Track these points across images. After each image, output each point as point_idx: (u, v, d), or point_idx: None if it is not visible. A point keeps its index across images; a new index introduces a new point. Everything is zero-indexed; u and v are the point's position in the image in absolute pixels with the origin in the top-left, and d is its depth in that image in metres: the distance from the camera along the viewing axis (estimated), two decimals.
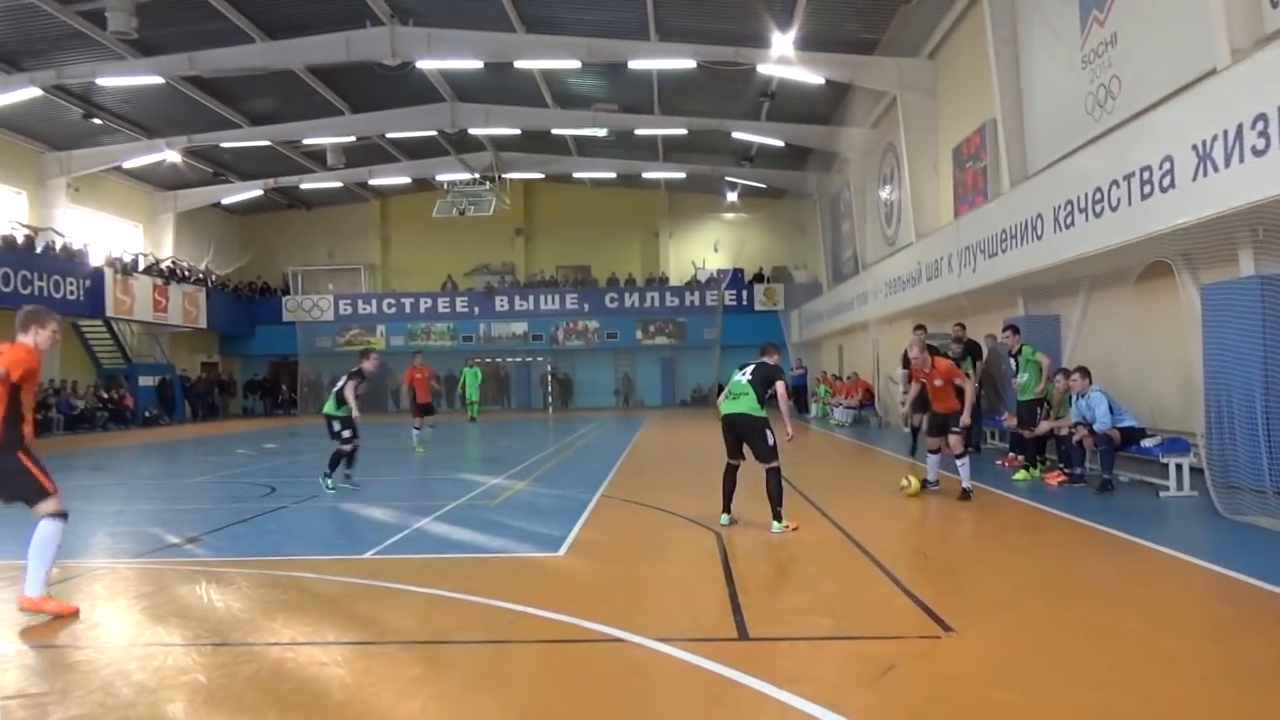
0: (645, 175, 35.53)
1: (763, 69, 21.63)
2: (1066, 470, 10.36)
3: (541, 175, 37.20)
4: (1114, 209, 9.85)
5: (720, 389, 8.92)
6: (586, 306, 37.09)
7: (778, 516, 7.77)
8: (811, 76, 21.68)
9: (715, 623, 5.05)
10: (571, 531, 7.89)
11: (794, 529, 7.71)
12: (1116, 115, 11.36)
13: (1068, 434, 10.21)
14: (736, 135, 28.23)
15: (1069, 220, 11.00)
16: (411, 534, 8.08)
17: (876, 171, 24.39)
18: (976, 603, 5.37)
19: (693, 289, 37.35)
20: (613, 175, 35.96)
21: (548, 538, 7.63)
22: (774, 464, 7.81)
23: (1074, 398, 10.32)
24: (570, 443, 19.25)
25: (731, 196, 37.00)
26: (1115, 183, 9.80)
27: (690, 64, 22.23)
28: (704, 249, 39.43)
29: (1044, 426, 10.87)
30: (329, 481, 11.07)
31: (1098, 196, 10.22)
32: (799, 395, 28.26)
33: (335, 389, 11.60)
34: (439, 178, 34.90)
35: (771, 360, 8.43)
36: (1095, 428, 9.82)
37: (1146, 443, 9.74)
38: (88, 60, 22.68)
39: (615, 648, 4.60)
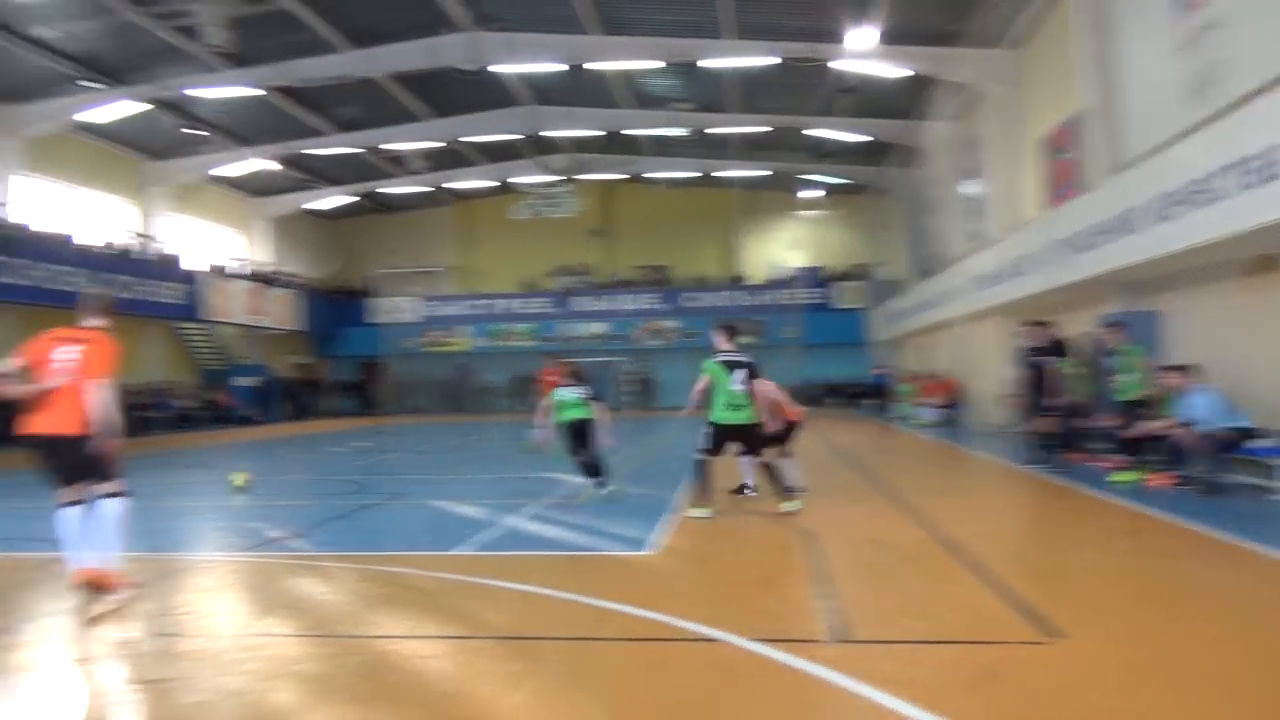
0: (721, 174, 35.45)
1: (842, 64, 21.39)
2: (1172, 472, 9.98)
3: (618, 176, 37.46)
4: (1218, 200, 9.46)
5: (703, 388, 8.83)
6: (665, 306, 37.18)
7: (789, 495, 8.48)
8: (892, 70, 21.35)
9: (808, 623, 5.04)
10: (659, 530, 7.93)
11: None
12: (1219, 102, 10.90)
13: (1169, 434, 9.84)
14: (813, 132, 27.96)
15: (1168, 212, 10.60)
16: (501, 531, 8.23)
17: (959, 165, 23.87)
18: (1080, 608, 5.23)
19: (771, 288, 37.10)
20: (689, 175, 35.99)
21: (636, 536, 7.69)
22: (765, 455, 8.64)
23: (1177, 396, 9.95)
24: (653, 441, 19.35)
25: (808, 194, 36.64)
26: (1219, 172, 9.39)
27: (771, 60, 22.11)
28: (781, 247, 39.15)
29: (1144, 426, 10.49)
30: (601, 484, 10.17)
31: (1200, 187, 9.82)
32: (882, 395, 27.84)
33: (571, 392, 10.62)
34: (517, 180, 35.42)
35: (746, 357, 8.83)
36: (1198, 428, 9.45)
37: (1257, 444, 9.32)
38: (185, 73, 23.69)
39: (709, 647, 4.62)
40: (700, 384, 8.70)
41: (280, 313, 33.76)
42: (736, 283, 38.00)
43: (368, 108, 28.04)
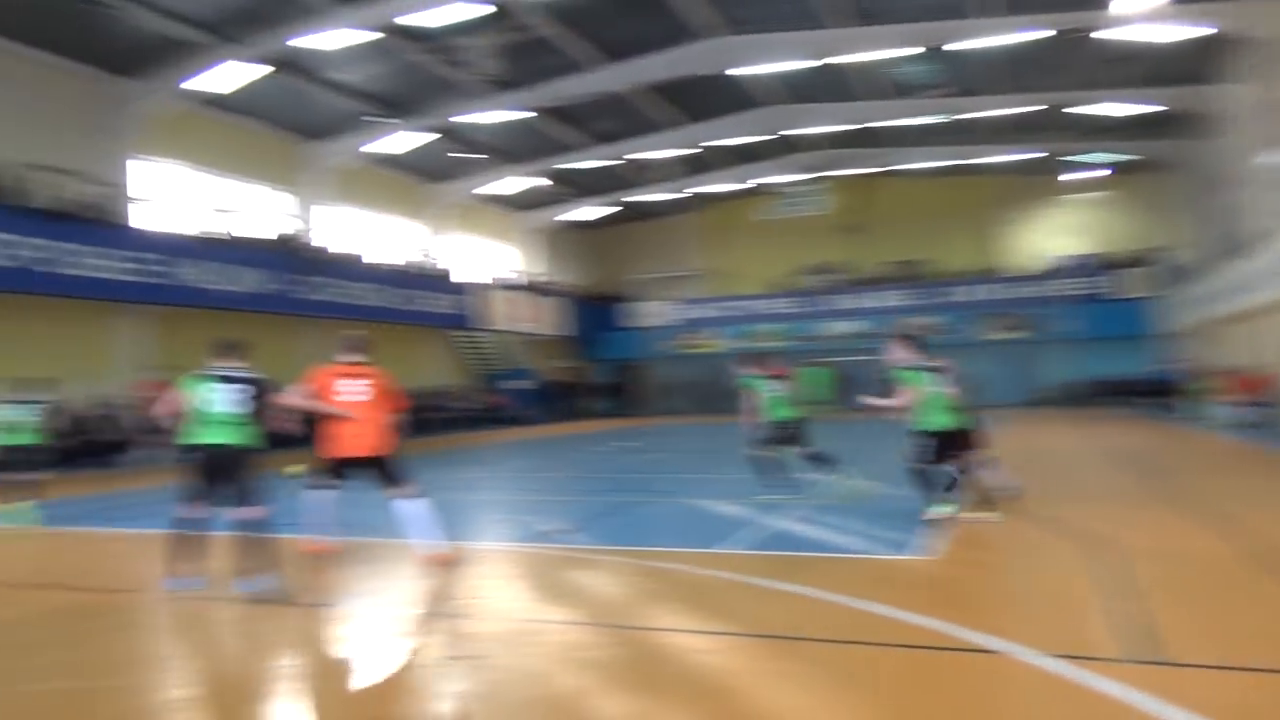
0: (977, 161, 33.53)
1: (1119, 31, 19.57)
2: None
3: (868, 170, 36.48)
4: None
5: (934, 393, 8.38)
6: (918, 301, 35.75)
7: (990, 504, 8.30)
8: (1182, 31, 19.25)
9: (1100, 638, 4.66)
10: (925, 534, 7.65)
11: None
12: None
13: None
14: (1083, 109, 25.79)
15: None
16: (765, 529, 8.28)
17: (1264, 132, 21.06)
18: None
19: (1035, 279, 34.58)
20: (943, 164, 34.37)
21: (901, 539, 7.46)
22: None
23: None
24: None
25: (1076, 175, 33.81)
26: None
27: (1038, 34, 20.68)
28: (1046, 234, 36.41)
29: None
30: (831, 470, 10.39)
31: None
32: (1167, 392, 25.17)
33: (779, 389, 10.76)
34: (765, 181, 35.44)
35: (941, 360, 8.54)
36: None
37: None
38: (460, 103, 25.86)
39: (990, 659, 4.40)
40: (907, 394, 8.28)
41: (546, 319, 35.99)
42: (994, 275, 35.77)
43: (621, 120, 29.22)
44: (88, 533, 9.92)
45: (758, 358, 11.99)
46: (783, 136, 31.43)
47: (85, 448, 18.47)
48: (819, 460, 10.42)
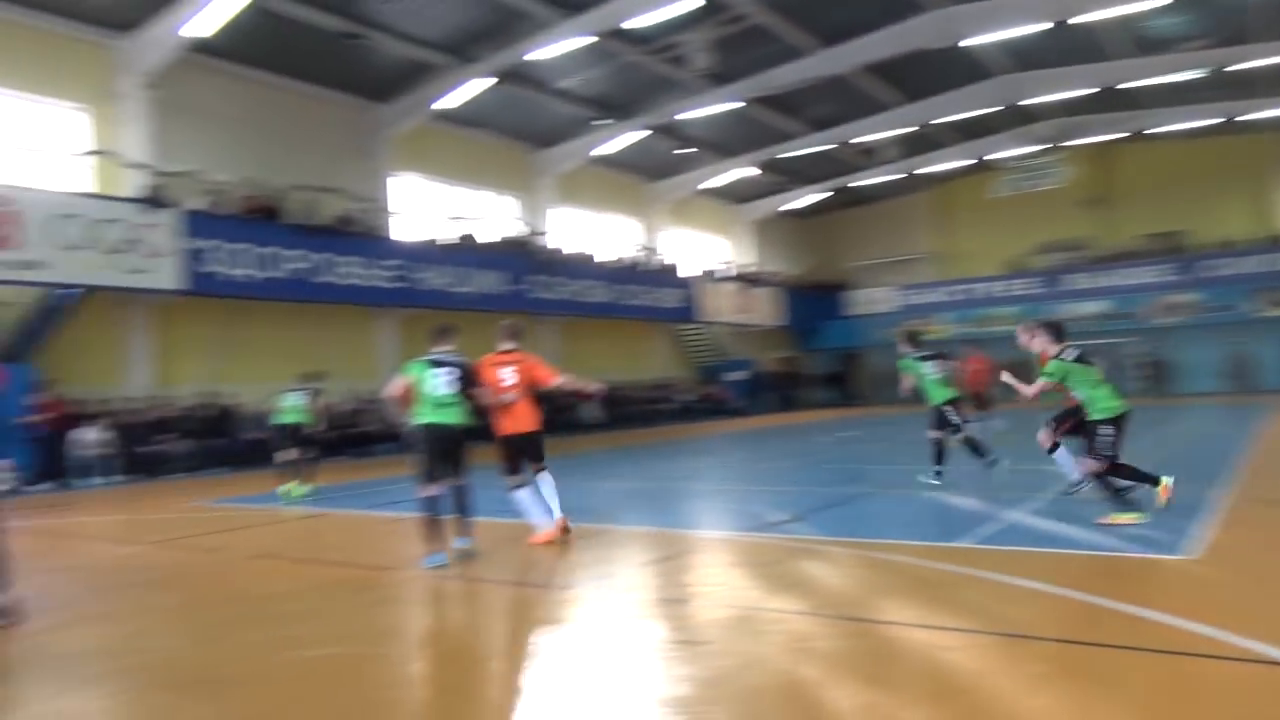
0: (1254, 117, 29.87)
1: None
2: None
3: (1111, 137, 33.46)
4: None
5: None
6: (1180, 277, 32.43)
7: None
8: None
9: None
10: (1194, 532, 6.94)
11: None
12: None
13: None
14: None
15: None
16: (1004, 525, 7.84)
17: None
18: None
19: None
20: (1205, 123, 30.91)
21: (1162, 538, 6.81)
22: None
23: None
24: (1173, 433, 17.03)
25: None
26: None
27: None
28: None
29: None
30: (992, 463, 10.34)
31: None
32: None
33: (932, 370, 10.82)
34: (996, 156, 33.42)
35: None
36: None
37: None
38: (676, 98, 26.24)
39: (1273, 670, 3.94)
40: (1046, 385, 7.70)
41: (763, 310, 35.90)
42: (1275, 244, 31.74)
43: (839, 103, 28.55)
44: (352, 515, 10.97)
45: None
46: (1015, 107, 29.50)
47: (348, 439, 20.49)
48: (974, 448, 10.38)
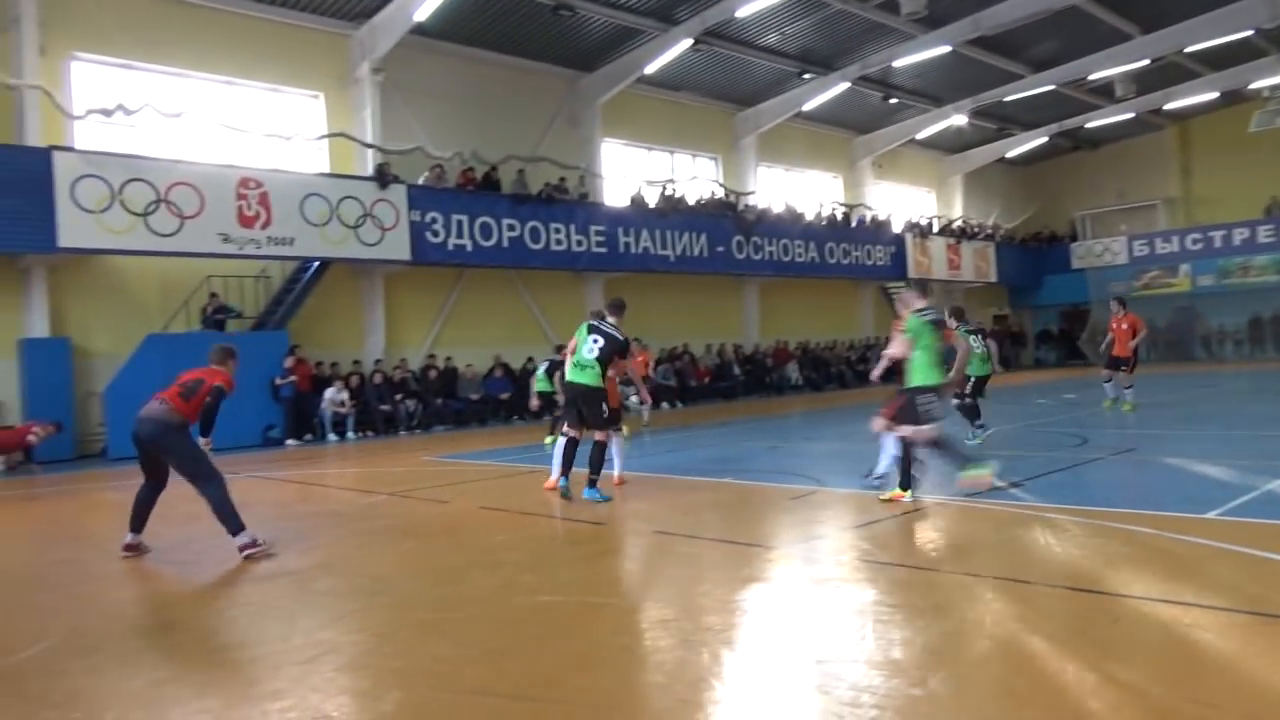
0: None
1: None
2: None
3: None
4: None
5: None
6: None
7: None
8: None
9: None
10: None
11: None
12: None
13: None
14: None
15: None
16: (1261, 495, 7.10)
17: None
18: None
19: None
20: None
21: None
22: None
23: None
24: None
25: None
26: None
27: None
28: None
29: None
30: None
31: None
32: None
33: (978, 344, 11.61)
34: (1256, 85, 29.74)
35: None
36: None
37: None
38: (884, 46, 25.14)
39: None
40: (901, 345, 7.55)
41: (976, 265, 34.04)
42: None
43: (1065, 39, 26.31)
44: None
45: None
46: (1275, 30, 26.07)
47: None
48: (968, 413, 11.30)
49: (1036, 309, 38.24)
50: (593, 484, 8.35)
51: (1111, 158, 37.61)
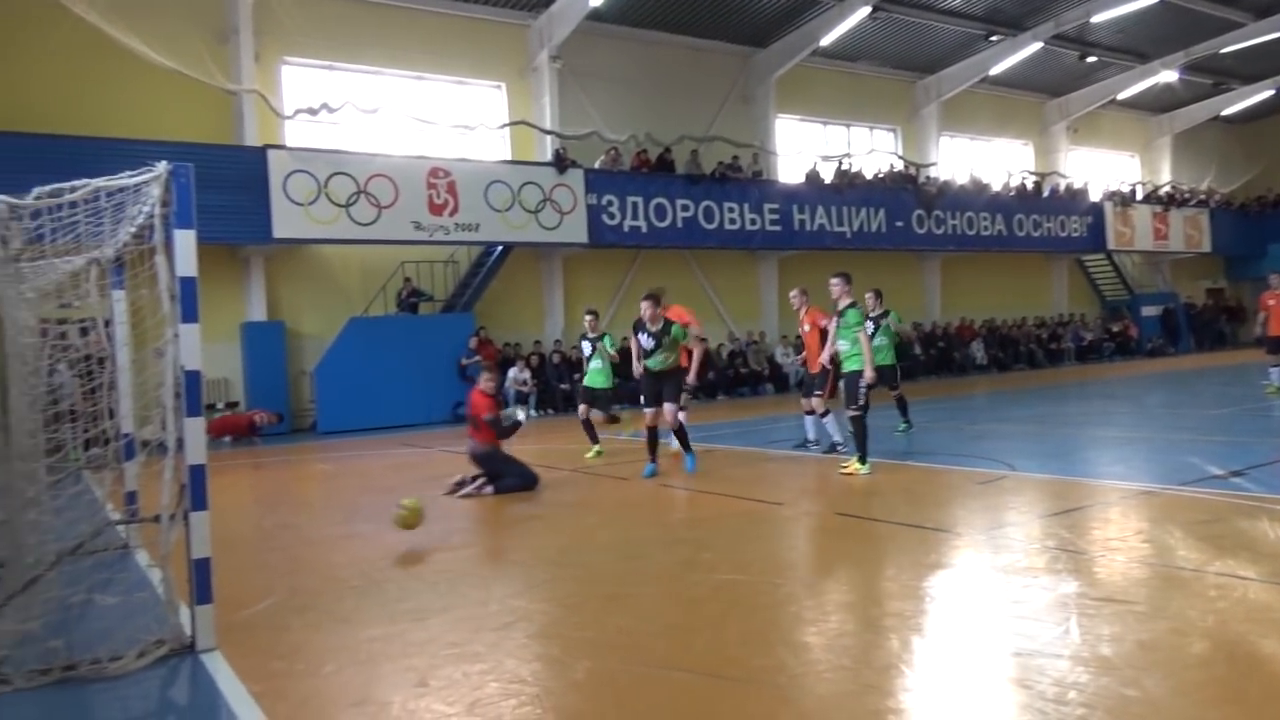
0: None
1: None
2: None
3: None
4: None
5: None
6: None
7: None
8: None
9: None
10: None
11: None
12: None
13: None
14: None
15: None
16: None
17: None
18: None
19: None
20: None
21: None
22: None
23: None
24: None
25: None
26: None
27: None
28: None
29: None
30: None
31: None
32: None
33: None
34: None
35: None
36: None
37: None
38: (1081, 1, 23.42)
39: None
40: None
41: (1186, 235, 31.23)
42: None
43: None
44: (738, 451, 11.42)
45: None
46: None
47: (731, 379, 21.50)
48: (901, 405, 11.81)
49: (1257, 281, 34.67)
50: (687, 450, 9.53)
51: None
